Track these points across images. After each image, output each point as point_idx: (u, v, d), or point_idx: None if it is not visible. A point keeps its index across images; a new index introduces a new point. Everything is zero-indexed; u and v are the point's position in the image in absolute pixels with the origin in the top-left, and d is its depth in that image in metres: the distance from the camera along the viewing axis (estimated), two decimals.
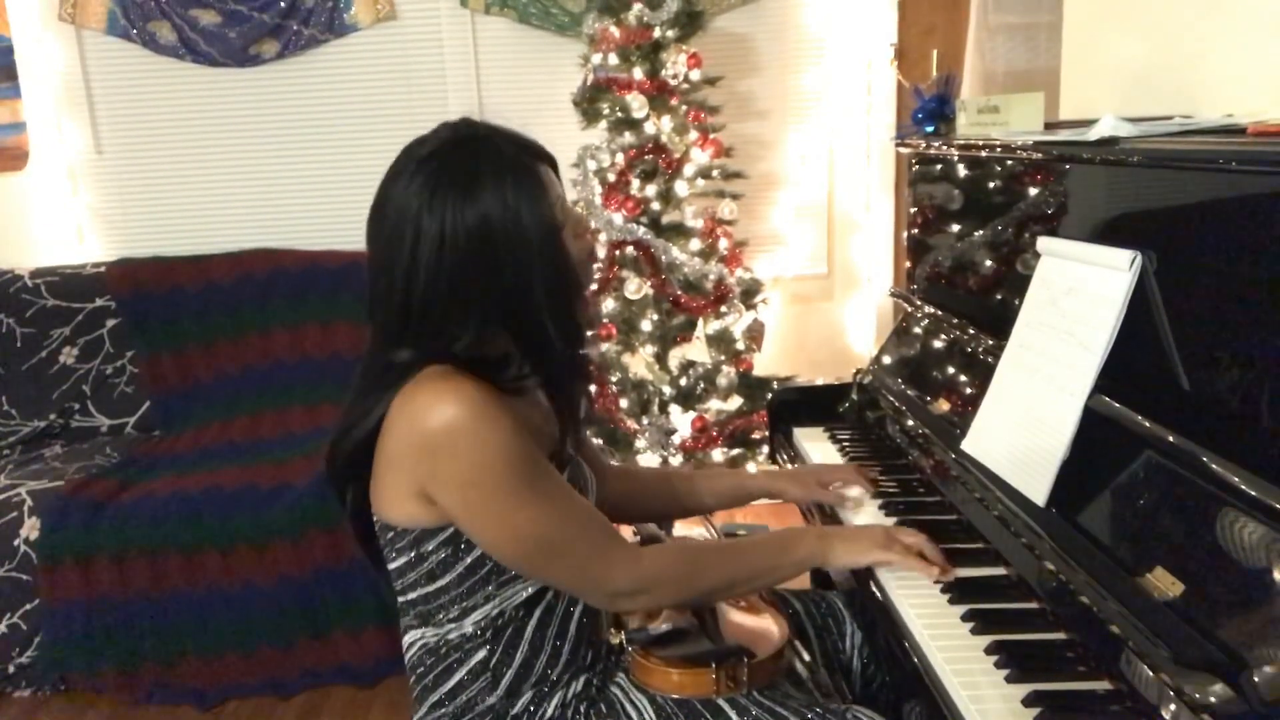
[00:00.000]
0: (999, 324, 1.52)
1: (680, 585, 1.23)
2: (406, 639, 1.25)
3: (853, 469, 1.60)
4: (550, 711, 1.21)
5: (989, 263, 1.67)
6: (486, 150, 1.14)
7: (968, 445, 1.44)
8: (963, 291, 1.79)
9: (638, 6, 2.73)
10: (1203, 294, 1.12)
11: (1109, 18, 2.06)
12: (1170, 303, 1.17)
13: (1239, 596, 0.93)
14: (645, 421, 2.81)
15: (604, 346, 2.82)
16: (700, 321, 2.84)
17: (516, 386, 1.17)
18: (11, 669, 2.46)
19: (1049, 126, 1.63)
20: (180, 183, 3.30)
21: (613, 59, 2.75)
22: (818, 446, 1.87)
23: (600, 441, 2.82)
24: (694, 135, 2.81)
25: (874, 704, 1.31)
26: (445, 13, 3.20)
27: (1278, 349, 1.00)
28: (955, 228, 1.82)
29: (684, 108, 2.80)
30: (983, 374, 1.52)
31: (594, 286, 2.78)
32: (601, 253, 2.77)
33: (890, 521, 1.46)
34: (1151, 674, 0.92)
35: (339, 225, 3.27)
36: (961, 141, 1.76)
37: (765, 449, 2.76)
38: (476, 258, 1.11)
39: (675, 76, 2.76)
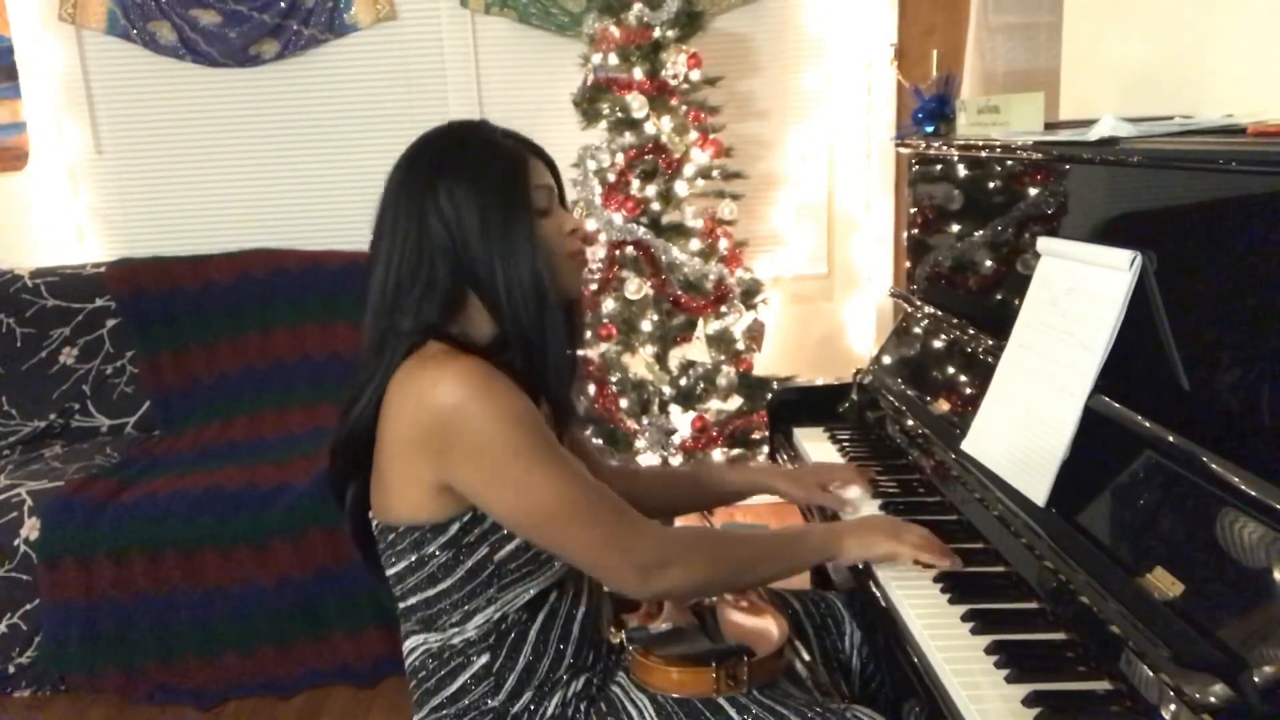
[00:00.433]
0: (999, 324, 1.52)
1: (709, 557, 1.20)
2: (408, 644, 1.25)
3: (852, 469, 1.60)
4: (550, 710, 1.21)
5: (989, 263, 1.67)
6: (472, 135, 1.19)
7: (968, 445, 1.44)
8: (963, 291, 1.79)
9: (638, 6, 2.72)
10: (1203, 294, 1.12)
11: (1109, 17, 2.06)
12: (1170, 303, 1.16)
13: (1239, 597, 0.93)
14: (645, 421, 2.80)
15: (604, 346, 2.82)
16: (700, 321, 2.84)
17: (514, 370, 1.17)
18: (11, 669, 2.46)
19: (1049, 126, 1.63)
20: (180, 183, 3.30)
21: (613, 59, 2.75)
22: (818, 446, 1.87)
23: (600, 441, 2.82)
24: (694, 135, 2.80)
25: (873, 703, 1.32)
26: (445, 13, 3.20)
27: (1278, 349, 1.00)
28: (955, 228, 1.82)
29: (684, 108, 2.79)
30: (983, 374, 1.52)
31: (594, 287, 2.78)
32: (601, 253, 2.77)
33: None
34: (1151, 674, 0.92)
35: (339, 225, 3.27)
36: (961, 141, 1.76)
37: (765, 449, 2.76)
38: (442, 227, 1.14)
39: (675, 76, 2.76)
